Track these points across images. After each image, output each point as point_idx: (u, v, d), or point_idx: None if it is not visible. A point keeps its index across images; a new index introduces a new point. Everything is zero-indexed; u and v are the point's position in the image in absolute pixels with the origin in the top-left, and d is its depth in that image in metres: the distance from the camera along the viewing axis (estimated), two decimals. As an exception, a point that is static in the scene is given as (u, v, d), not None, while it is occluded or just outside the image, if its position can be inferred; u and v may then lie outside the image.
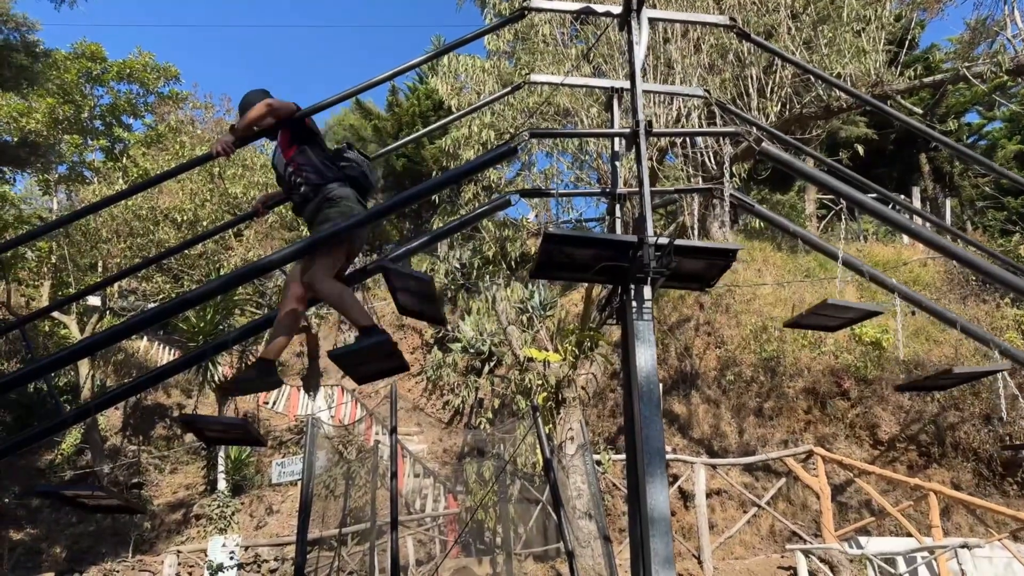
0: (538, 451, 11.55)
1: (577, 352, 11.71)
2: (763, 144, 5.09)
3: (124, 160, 19.15)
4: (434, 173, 13.28)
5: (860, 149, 13.44)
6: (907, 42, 12.33)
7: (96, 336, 4.56)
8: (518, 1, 12.90)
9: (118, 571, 13.73)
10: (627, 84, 5.99)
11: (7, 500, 18.40)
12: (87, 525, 17.88)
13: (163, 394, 23.90)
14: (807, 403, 14.09)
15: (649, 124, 5.07)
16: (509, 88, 5.96)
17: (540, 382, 11.41)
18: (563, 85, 6.39)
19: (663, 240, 4.72)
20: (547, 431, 11.75)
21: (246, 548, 10.65)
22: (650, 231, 4.84)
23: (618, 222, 5.89)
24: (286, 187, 4.53)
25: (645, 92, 6.20)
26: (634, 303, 4.96)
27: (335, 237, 4.21)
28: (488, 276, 12.03)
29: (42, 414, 20.63)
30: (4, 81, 10.34)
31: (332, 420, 20.26)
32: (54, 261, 19.53)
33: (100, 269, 18.26)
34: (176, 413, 23.39)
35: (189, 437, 22.29)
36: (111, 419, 22.26)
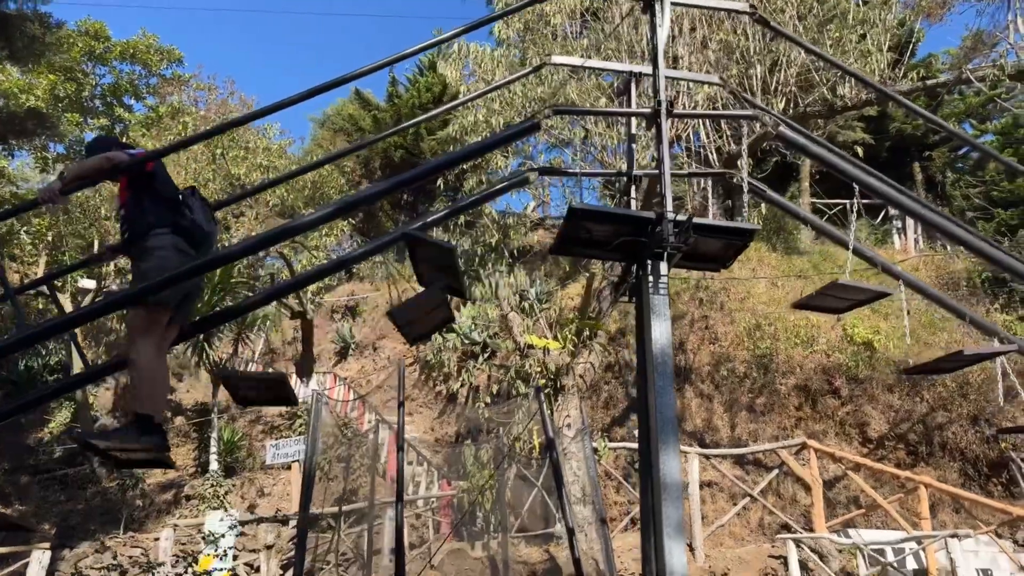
0: (536, 435, 11.71)
1: (576, 341, 11.87)
2: (780, 128, 5.24)
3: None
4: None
5: (860, 151, 13.68)
6: (910, 47, 12.56)
7: (91, 306, 4.57)
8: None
9: (110, 546, 13.72)
10: (644, 68, 6.13)
11: (-4, 476, 18.36)
12: (76, 503, 17.85)
13: (155, 376, 23.81)
14: (798, 400, 14.30)
15: (671, 104, 5.22)
16: (530, 68, 6.08)
17: (540, 369, 11.54)
18: (583, 67, 6.53)
19: (682, 217, 4.87)
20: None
21: (243, 524, 10.73)
22: (669, 207, 4.98)
23: (633, 203, 6.02)
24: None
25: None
26: (650, 278, 5.10)
27: (143, 296, 3.88)
28: (491, 263, 12.14)
29: (29, 392, 20.57)
30: (16, 52, 10.35)
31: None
32: (50, 239, 19.49)
33: (97, 247, 18.22)
34: (170, 394, 23.30)
35: (179, 420, 22.30)
36: (102, 399, 22.21)
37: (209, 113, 18.05)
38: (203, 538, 9.71)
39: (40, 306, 20.47)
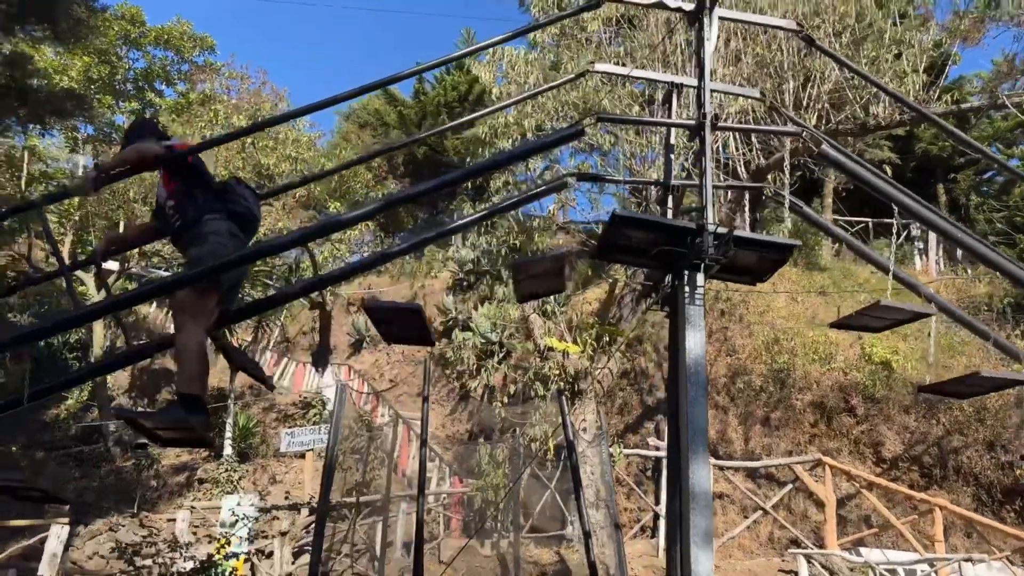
0: (551, 437, 11.78)
1: (595, 346, 11.93)
2: (823, 145, 5.29)
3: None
4: (468, 162, 13.40)
5: (888, 170, 13.68)
6: (945, 70, 12.55)
7: (145, 287, 4.64)
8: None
9: (123, 525, 13.91)
10: (686, 80, 6.20)
11: (14, 449, 18.60)
12: (90, 480, 18.08)
13: (170, 359, 24.08)
14: (814, 416, 14.29)
15: (716, 118, 5.28)
16: (572, 75, 6.15)
17: (558, 372, 11.62)
18: (627, 76, 6.61)
19: (722, 229, 4.93)
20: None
21: (261, 509, 10.86)
22: (711, 219, 5.05)
23: (669, 212, 6.08)
24: (165, 219, 4.34)
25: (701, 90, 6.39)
26: (687, 288, 5.18)
27: (200, 278, 3.96)
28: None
29: (51, 369, 20.90)
30: (60, 33, 10.57)
31: (338, 397, 20.43)
32: (77, 219, 19.74)
33: (123, 229, 18.41)
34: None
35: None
36: (118, 379, 22.46)
37: (241, 102, 18.20)
38: (235, 520, 9.79)
39: (63, 285, 20.73)
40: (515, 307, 13.17)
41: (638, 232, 5.17)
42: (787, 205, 5.25)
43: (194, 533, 12.91)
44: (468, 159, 12.99)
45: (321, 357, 21.98)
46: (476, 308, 20.82)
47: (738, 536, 12.43)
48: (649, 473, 13.59)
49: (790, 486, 12.04)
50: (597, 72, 6.47)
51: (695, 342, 5.03)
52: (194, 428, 4.04)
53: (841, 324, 5.43)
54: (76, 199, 19.22)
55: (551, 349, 11.53)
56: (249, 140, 16.26)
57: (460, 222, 5.48)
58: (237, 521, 10.25)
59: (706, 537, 4.67)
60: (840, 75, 11.02)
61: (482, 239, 20.99)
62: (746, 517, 12.97)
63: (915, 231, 22.95)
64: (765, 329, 15.99)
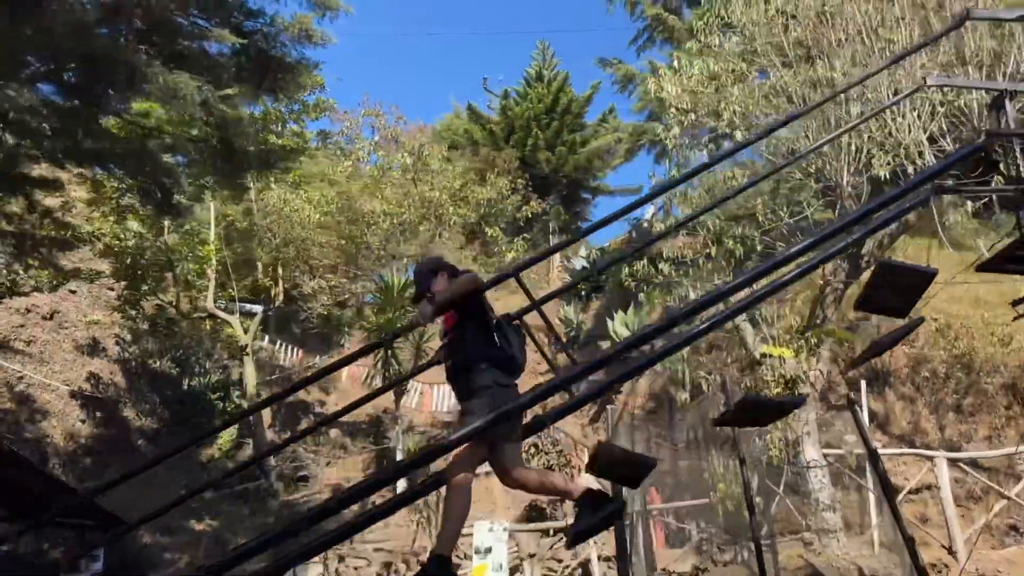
0: (776, 443, 11.86)
1: (807, 349, 11.99)
2: None
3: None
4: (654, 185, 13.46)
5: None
6: None
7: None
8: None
9: (328, 558, 14.31)
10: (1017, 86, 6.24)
11: (182, 492, 19.19)
12: (263, 516, 18.56)
13: (304, 392, 24.64)
14: (1007, 399, 14.13)
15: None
16: (908, 92, 6.25)
17: (774, 378, 11.70)
18: (961, 87, 6.69)
19: None
20: (781, 427, 12.04)
21: (509, 533, 11.07)
22: None
23: (1030, 218, 6.12)
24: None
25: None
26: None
27: (510, 428, 3.85)
28: (709, 272, 12.31)
29: (195, 411, 21.55)
30: (283, 88, 10.96)
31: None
32: (216, 266, 20.38)
33: (280, 270, 18.95)
34: (317, 409, 24.26)
35: (334, 432, 23.03)
36: (261, 415, 23.01)
37: (388, 132, 18.26)
38: (489, 546, 10.09)
39: (208, 327, 21.48)
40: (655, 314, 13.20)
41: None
42: None
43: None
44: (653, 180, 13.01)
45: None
46: (611, 318, 20.98)
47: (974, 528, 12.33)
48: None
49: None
50: (930, 86, 6.57)
51: None
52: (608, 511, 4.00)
53: None
54: (214, 249, 19.94)
55: (768, 356, 11.61)
56: (411, 176, 16.54)
57: (836, 248, 5.59)
58: (491, 547, 10.51)
59: None
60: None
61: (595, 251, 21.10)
62: (958, 507, 12.87)
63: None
64: (931, 314, 15.85)
